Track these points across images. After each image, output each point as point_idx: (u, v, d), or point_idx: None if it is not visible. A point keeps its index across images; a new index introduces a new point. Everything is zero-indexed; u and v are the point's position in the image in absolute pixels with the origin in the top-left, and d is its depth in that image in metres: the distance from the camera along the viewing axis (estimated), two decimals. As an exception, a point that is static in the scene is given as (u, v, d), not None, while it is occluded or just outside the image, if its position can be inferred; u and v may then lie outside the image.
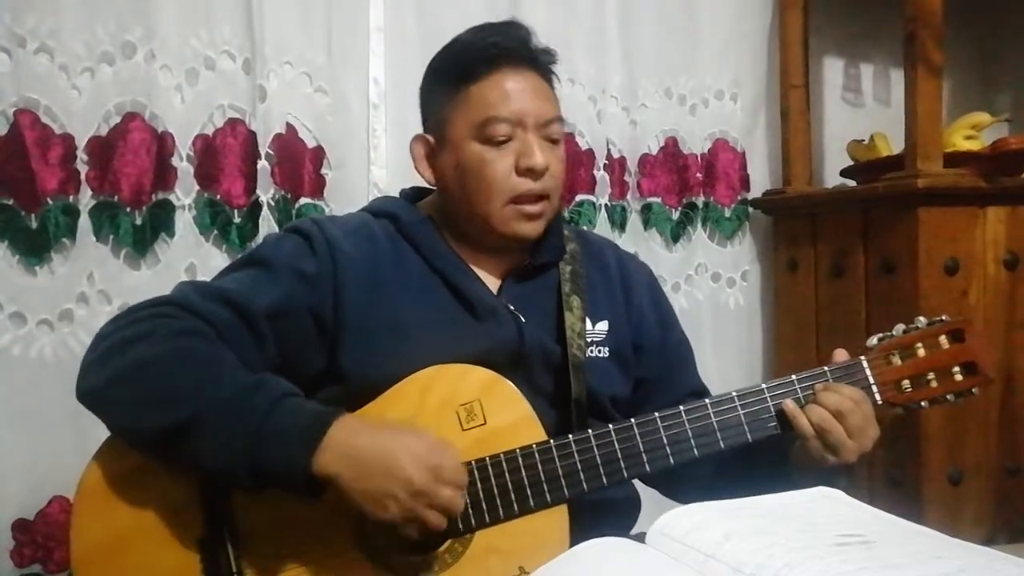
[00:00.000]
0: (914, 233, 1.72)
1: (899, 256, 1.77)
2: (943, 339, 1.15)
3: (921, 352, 1.14)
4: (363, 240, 1.18)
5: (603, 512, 1.14)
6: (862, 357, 1.14)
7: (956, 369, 1.14)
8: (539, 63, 1.20)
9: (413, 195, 1.31)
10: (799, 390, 1.11)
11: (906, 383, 1.13)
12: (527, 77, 1.17)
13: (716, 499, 1.23)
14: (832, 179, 2.21)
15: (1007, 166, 1.80)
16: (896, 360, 1.14)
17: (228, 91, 1.67)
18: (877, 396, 1.12)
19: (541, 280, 1.23)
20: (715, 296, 2.12)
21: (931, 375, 1.14)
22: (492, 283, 1.21)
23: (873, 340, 1.16)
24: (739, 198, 2.14)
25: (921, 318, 1.17)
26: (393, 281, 1.16)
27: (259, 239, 1.66)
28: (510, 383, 1.08)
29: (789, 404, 1.09)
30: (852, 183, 2.04)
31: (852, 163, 2.07)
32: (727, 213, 2.12)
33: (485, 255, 1.22)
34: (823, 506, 0.94)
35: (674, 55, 2.05)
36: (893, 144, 1.99)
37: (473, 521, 1.03)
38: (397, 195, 1.32)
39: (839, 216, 1.95)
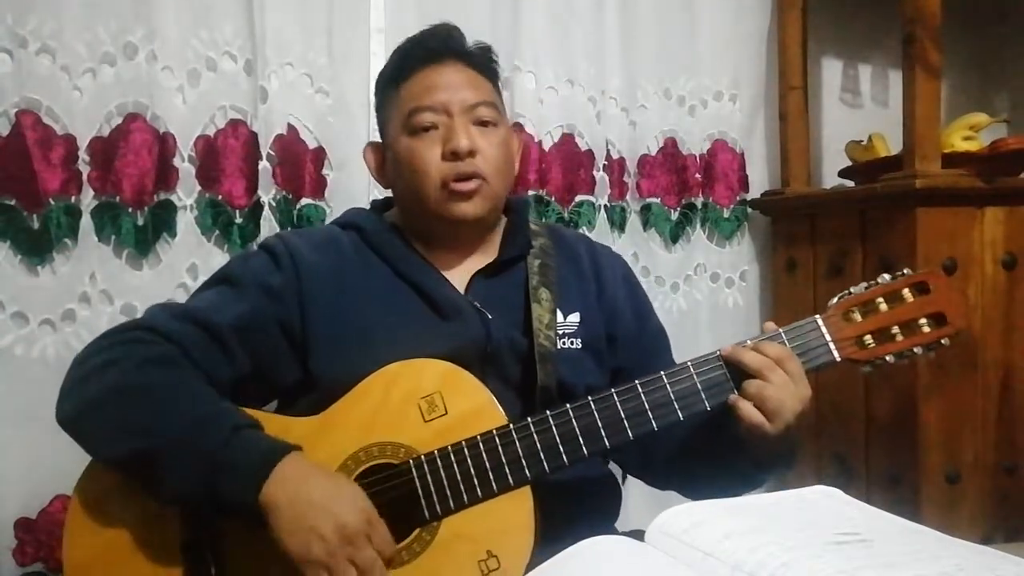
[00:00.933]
0: (912, 233, 1.73)
1: (897, 256, 1.77)
2: (907, 292, 1.11)
3: (884, 307, 1.11)
4: (329, 252, 1.22)
5: (577, 494, 1.17)
6: (817, 316, 1.11)
7: (923, 321, 1.10)
8: (466, 54, 1.24)
9: (382, 205, 1.35)
10: None
11: (868, 338, 1.10)
12: (452, 67, 1.22)
13: (684, 476, 1.26)
14: (831, 180, 2.21)
15: (1005, 167, 1.80)
16: (856, 316, 1.11)
17: (229, 92, 1.68)
18: (836, 354, 1.10)
19: (508, 276, 1.26)
20: (714, 296, 2.13)
21: (895, 329, 1.10)
22: (460, 282, 1.24)
23: (833, 300, 1.13)
24: (738, 199, 2.14)
25: (885, 275, 1.13)
26: (359, 289, 1.19)
27: (260, 239, 1.66)
28: (468, 373, 1.10)
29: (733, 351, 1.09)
30: (850, 184, 2.04)
31: (850, 164, 2.07)
32: (726, 214, 2.13)
33: (450, 255, 1.25)
34: (822, 505, 0.94)
35: (673, 56, 2.05)
36: (891, 145, 2.00)
37: (439, 509, 1.04)
38: (367, 206, 1.36)
39: (837, 217, 1.95)
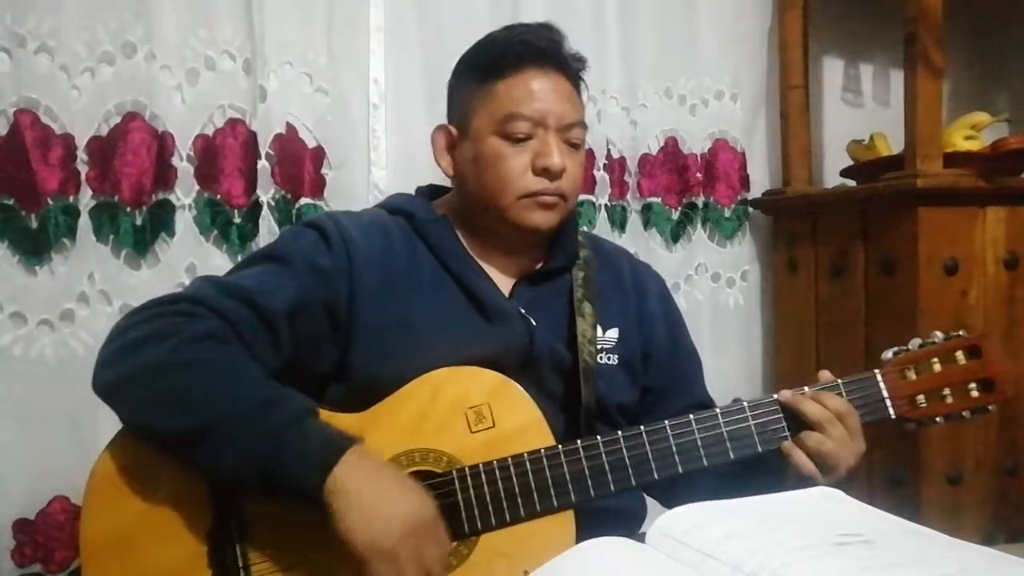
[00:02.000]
0: (914, 233, 1.72)
1: (899, 256, 1.77)
2: (960, 354, 1.14)
3: (937, 367, 1.13)
4: (378, 236, 1.18)
5: (609, 521, 1.13)
6: (876, 371, 1.13)
7: (972, 385, 1.13)
8: (567, 67, 1.21)
9: (429, 193, 1.31)
10: None
11: (921, 398, 1.12)
12: (553, 79, 1.18)
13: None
14: (832, 179, 2.21)
15: (1007, 166, 1.80)
16: (911, 374, 1.13)
17: (228, 91, 1.67)
18: (891, 411, 1.12)
19: (553, 285, 1.23)
20: (715, 296, 2.12)
21: (947, 391, 1.13)
22: (505, 285, 1.21)
23: (888, 354, 1.15)
24: (739, 198, 2.14)
25: (938, 332, 1.15)
26: (406, 279, 1.16)
27: (259, 239, 1.66)
28: (519, 387, 1.08)
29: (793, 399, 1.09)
30: (852, 183, 2.04)
31: (852, 163, 2.07)
32: (727, 213, 2.13)
33: (499, 256, 1.22)
34: (823, 506, 0.94)
35: (674, 55, 2.05)
36: (893, 144, 2.00)
37: (479, 524, 1.03)
38: (412, 192, 1.32)
39: (839, 216, 1.95)
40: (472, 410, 1.06)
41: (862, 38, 2.28)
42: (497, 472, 1.04)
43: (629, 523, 1.23)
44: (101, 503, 1.01)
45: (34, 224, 1.52)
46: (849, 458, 1.06)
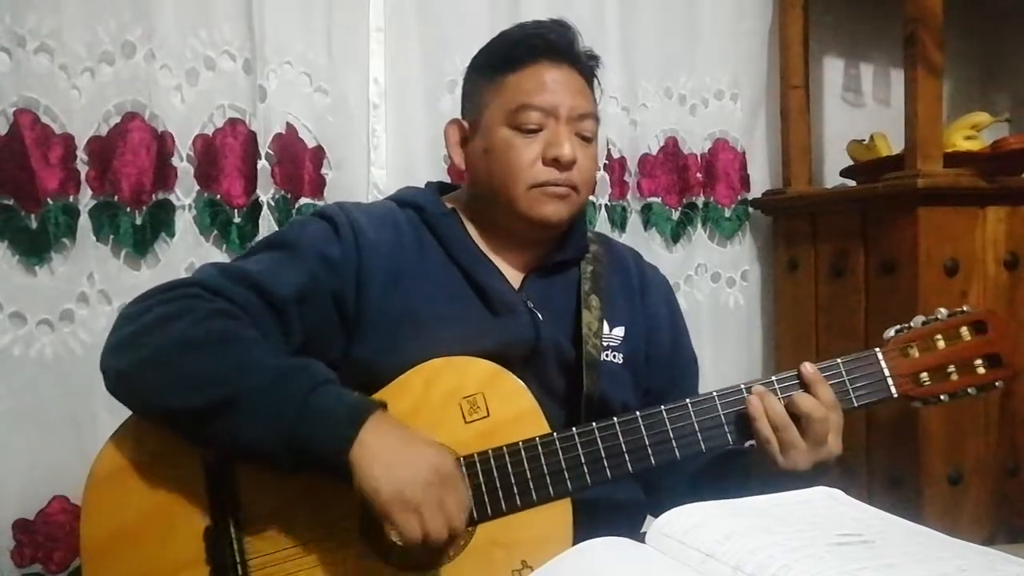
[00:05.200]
0: (914, 233, 1.72)
1: (899, 256, 1.76)
2: (964, 330, 1.11)
3: (941, 344, 1.10)
4: (387, 228, 1.18)
5: (608, 512, 1.13)
6: (876, 349, 1.11)
7: (978, 362, 1.10)
8: (580, 62, 1.21)
9: (438, 188, 1.31)
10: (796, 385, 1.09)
11: (924, 376, 1.10)
12: (565, 72, 1.18)
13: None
14: (832, 179, 2.21)
15: (1007, 166, 1.80)
16: (914, 352, 1.10)
17: (228, 91, 1.67)
18: (893, 389, 1.09)
19: (562, 277, 1.24)
20: (715, 296, 2.12)
21: (951, 368, 1.10)
22: (514, 278, 1.22)
23: (890, 332, 1.12)
24: (739, 198, 2.14)
25: (942, 309, 1.13)
26: (414, 271, 1.16)
27: (259, 236, 1.66)
28: (514, 376, 1.08)
29: (753, 400, 1.06)
30: (852, 183, 2.04)
31: (852, 163, 2.07)
32: (727, 213, 2.12)
33: (508, 249, 1.23)
34: (823, 506, 0.94)
35: (674, 55, 2.05)
36: (893, 144, 1.99)
37: (475, 514, 1.02)
38: (423, 186, 1.32)
39: (839, 216, 1.95)
40: (466, 400, 1.06)
41: (862, 38, 2.28)
42: (492, 461, 1.04)
43: (627, 515, 1.23)
44: (100, 503, 1.02)
45: (34, 224, 1.52)
46: (802, 463, 1.04)
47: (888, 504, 0.96)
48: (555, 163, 1.15)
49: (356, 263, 1.13)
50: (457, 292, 1.17)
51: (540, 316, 1.18)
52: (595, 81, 1.25)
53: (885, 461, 1.82)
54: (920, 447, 1.73)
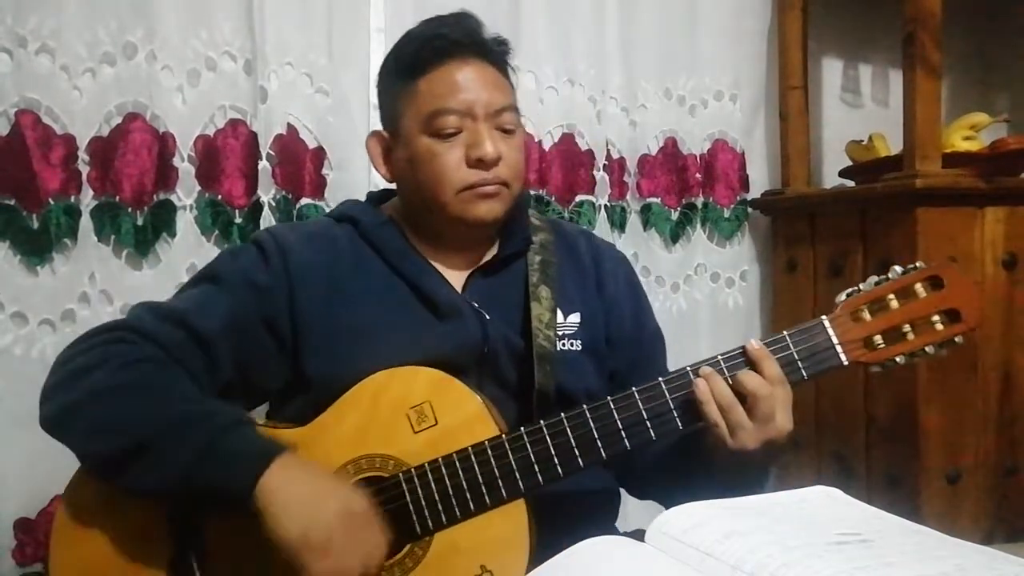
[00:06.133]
0: (913, 233, 1.73)
1: (898, 256, 1.76)
2: (919, 287, 1.05)
3: (894, 304, 1.04)
4: (322, 245, 1.18)
5: (577, 503, 1.13)
6: (823, 316, 1.05)
7: (936, 318, 1.03)
8: (490, 52, 1.19)
9: (379, 197, 1.31)
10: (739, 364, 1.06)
11: (878, 339, 1.04)
12: (476, 67, 1.16)
13: (660, 489, 1.22)
14: (831, 180, 2.21)
15: (1005, 166, 1.80)
16: (865, 315, 1.04)
17: (229, 92, 1.68)
18: (843, 357, 1.04)
19: (508, 272, 1.23)
20: (714, 296, 2.12)
21: (907, 327, 1.04)
22: (457, 280, 1.21)
23: (841, 296, 1.06)
24: (738, 198, 2.14)
25: (896, 267, 1.07)
26: (353, 285, 1.15)
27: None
28: (459, 381, 1.07)
29: (700, 383, 1.03)
30: (851, 184, 2.04)
31: (851, 164, 2.07)
32: (726, 213, 2.13)
33: (449, 252, 1.22)
34: (822, 505, 0.94)
35: (673, 56, 2.05)
36: (892, 145, 2.00)
37: (431, 523, 1.02)
38: (363, 198, 1.32)
39: (838, 216, 1.95)
40: (414, 410, 1.05)
41: (861, 39, 2.28)
42: (443, 469, 1.03)
43: (601, 505, 1.22)
44: (66, 541, 1.04)
45: (35, 224, 1.53)
46: (750, 443, 1.01)
47: (886, 503, 0.97)
48: (480, 163, 1.13)
49: (287, 286, 1.13)
50: (401, 301, 1.16)
51: (487, 315, 1.17)
52: (509, 67, 1.22)
53: (884, 460, 1.82)
54: (919, 445, 1.73)
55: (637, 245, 2.02)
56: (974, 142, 1.89)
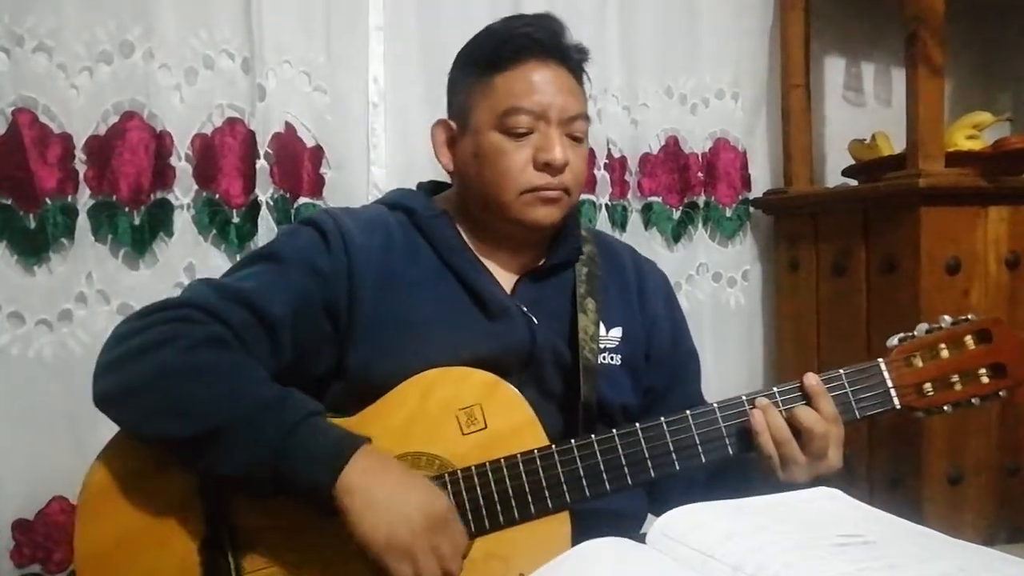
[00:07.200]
0: (915, 232, 1.72)
1: (900, 255, 1.76)
2: (969, 339, 1.09)
3: (945, 353, 1.08)
4: (377, 233, 1.16)
5: (608, 522, 1.11)
6: (880, 360, 1.09)
7: (983, 371, 1.08)
8: (569, 59, 1.19)
9: (430, 188, 1.30)
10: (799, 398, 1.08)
11: (928, 386, 1.08)
12: (555, 71, 1.16)
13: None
14: (833, 179, 2.20)
15: (1009, 165, 1.79)
16: (917, 362, 1.08)
17: (227, 90, 1.67)
18: (896, 401, 1.08)
19: (556, 280, 1.22)
20: (716, 296, 2.12)
21: (955, 377, 1.08)
22: (506, 281, 1.20)
23: (894, 340, 1.10)
24: (740, 197, 2.13)
25: (946, 317, 1.11)
26: (406, 276, 1.14)
27: (258, 239, 1.65)
28: (511, 387, 1.06)
29: (756, 415, 1.06)
30: (853, 182, 2.04)
31: (853, 162, 2.07)
32: (728, 213, 2.12)
33: (501, 252, 1.21)
34: (823, 506, 0.93)
35: (675, 54, 2.05)
36: (894, 143, 1.99)
37: (472, 528, 1.01)
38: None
39: (840, 216, 1.95)
40: (463, 411, 1.04)
41: (863, 37, 2.27)
42: (490, 474, 1.02)
43: (628, 525, 1.21)
44: (94, 514, 1.01)
45: (32, 224, 1.52)
46: (801, 477, 1.04)
47: (888, 504, 0.96)
48: (547, 167, 1.13)
49: (347, 272, 1.11)
50: (450, 295, 1.15)
51: (535, 320, 1.16)
52: (584, 75, 1.23)
53: (886, 461, 1.82)
54: (921, 447, 1.73)
55: (638, 244, 1.99)
56: (977, 141, 1.89)
